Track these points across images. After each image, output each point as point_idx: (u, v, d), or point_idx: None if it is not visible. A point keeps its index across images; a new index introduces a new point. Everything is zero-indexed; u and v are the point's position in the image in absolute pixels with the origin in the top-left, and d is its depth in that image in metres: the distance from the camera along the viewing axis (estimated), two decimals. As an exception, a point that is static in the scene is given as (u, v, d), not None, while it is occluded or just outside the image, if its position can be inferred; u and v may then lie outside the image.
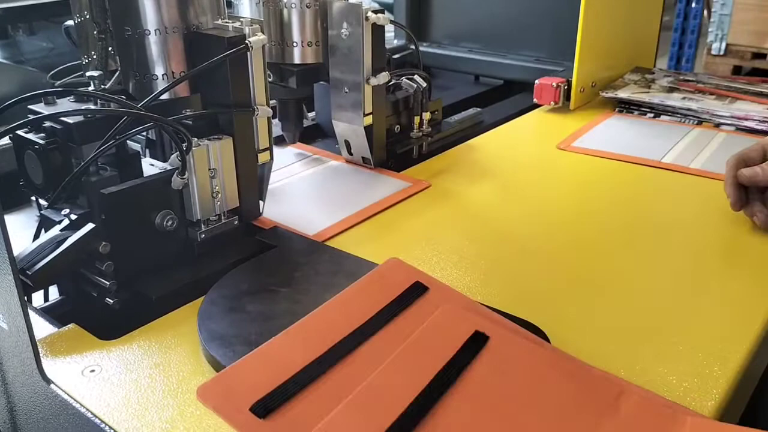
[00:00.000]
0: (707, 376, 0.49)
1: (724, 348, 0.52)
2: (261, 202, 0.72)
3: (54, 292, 0.64)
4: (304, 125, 0.90)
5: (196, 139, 0.62)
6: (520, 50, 1.29)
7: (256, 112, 0.66)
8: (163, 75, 0.65)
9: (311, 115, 0.98)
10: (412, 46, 1.30)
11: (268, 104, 0.67)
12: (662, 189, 0.80)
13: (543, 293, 0.60)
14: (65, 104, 0.64)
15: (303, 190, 0.80)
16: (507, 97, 1.25)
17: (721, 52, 2.36)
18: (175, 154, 0.61)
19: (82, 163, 0.59)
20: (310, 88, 0.86)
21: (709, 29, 2.39)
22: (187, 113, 0.64)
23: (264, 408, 0.40)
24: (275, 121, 0.88)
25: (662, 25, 1.29)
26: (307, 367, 0.44)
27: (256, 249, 0.66)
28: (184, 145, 0.60)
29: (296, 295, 0.57)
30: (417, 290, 0.51)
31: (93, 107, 0.60)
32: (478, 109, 1.10)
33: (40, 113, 0.61)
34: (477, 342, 0.47)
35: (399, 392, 0.43)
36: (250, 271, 0.61)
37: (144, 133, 0.77)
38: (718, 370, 0.50)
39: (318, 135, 0.96)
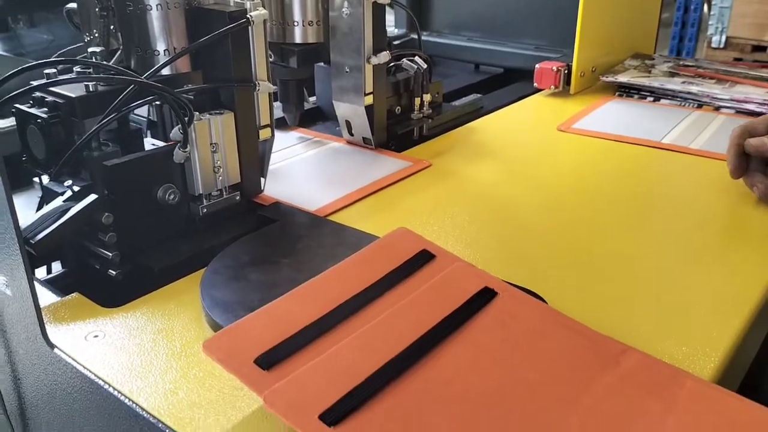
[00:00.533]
0: (706, 342, 0.49)
1: (723, 315, 0.52)
2: (262, 179, 0.72)
3: (57, 267, 0.64)
4: (305, 108, 0.90)
5: (197, 113, 0.63)
6: (519, 38, 1.29)
7: (257, 88, 0.66)
8: (165, 50, 0.65)
9: (312, 99, 0.98)
10: (413, 35, 1.31)
11: (269, 80, 0.68)
12: (662, 168, 0.81)
13: (544, 266, 0.60)
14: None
15: (304, 170, 0.81)
16: (507, 85, 1.26)
17: (721, 45, 2.36)
18: (177, 127, 0.61)
19: (85, 135, 0.59)
20: (310, 69, 0.86)
21: (709, 22, 2.39)
22: (189, 87, 0.64)
23: (268, 361, 0.40)
24: (276, 104, 0.88)
25: (662, 22, 1.30)
26: (310, 325, 0.44)
27: (258, 224, 0.66)
28: (186, 118, 0.60)
29: (298, 265, 0.57)
30: (424, 258, 0.52)
31: (97, 77, 0.60)
32: (479, 95, 1.10)
33: (45, 88, 0.62)
34: (484, 296, 0.48)
35: (401, 334, 0.43)
36: (252, 243, 0.61)
37: (145, 114, 0.78)
38: (717, 336, 0.50)
39: (319, 118, 0.96)
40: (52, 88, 0.62)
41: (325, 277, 0.49)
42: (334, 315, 0.46)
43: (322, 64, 0.89)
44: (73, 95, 0.60)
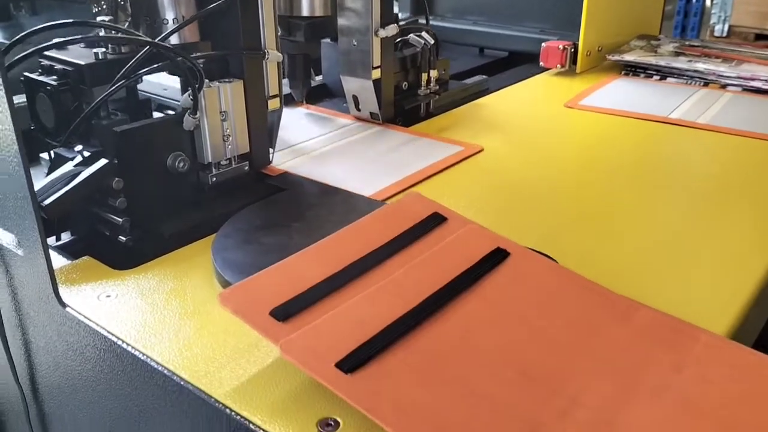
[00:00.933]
0: (717, 303, 0.49)
1: (734, 278, 0.52)
2: (271, 150, 0.72)
3: (67, 237, 0.64)
4: (312, 85, 0.90)
5: (207, 80, 0.62)
6: (524, 22, 1.29)
7: (266, 56, 0.66)
8: (173, 19, 0.65)
9: (318, 78, 0.98)
10: (419, 20, 1.30)
11: (278, 49, 0.68)
12: (670, 141, 0.80)
13: (554, 231, 0.60)
14: (76, 49, 0.65)
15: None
16: (511, 68, 1.25)
17: (724, 34, 2.36)
18: (186, 94, 0.61)
19: (97, 99, 0.59)
20: (317, 44, 0.86)
21: (712, 11, 2.39)
22: (199, 54, 0.64)
23: (283, 313, 0.40)
24: (283, 81, 0.88)
25: (664, 14, 1.30)
26: (324, 281, 0.44)
27: (267, 193, 0.66)
28: (196, 84, 0.60)
29: (309, 230, 0.57)
30: (435, 220, 0.52)
31: (108, 37, 0.60)
32: (484, 76, 1.10)
33: (51, 56, 0.62)
34: (497, 256, 0.48)
35: (414, 291, 0.43)
36: (263, 209, 0.61)
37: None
38: (728, 298, 0.50)
39: (325, 95, 0.96)
40: (61, 56, 0.62)
41: (338, 236, 0.49)
42: (347, 272, 0.46)
43: (328, 40, 0.89)
44: (82, 62, 0.60)
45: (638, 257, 0.55)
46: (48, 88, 0.60)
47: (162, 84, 0.82)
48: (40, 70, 0.62)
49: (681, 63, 1.03)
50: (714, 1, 2.38)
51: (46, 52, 0.62)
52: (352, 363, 0.38)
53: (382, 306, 0.42)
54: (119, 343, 0.45)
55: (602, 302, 0.45)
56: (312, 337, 0.39)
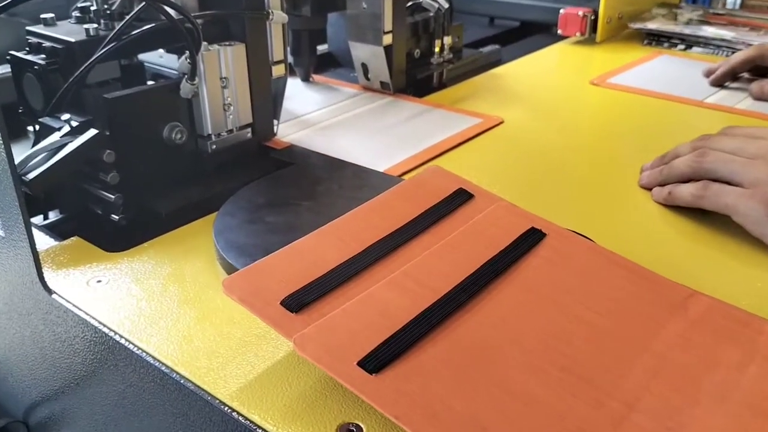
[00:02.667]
0: (776, 287, 0.44)
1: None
2: (275, 122, 0.66)
3: (55, 215, 0.59)
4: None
5: (206, 43, 0.57)
6: (536, -11, 1.22)
7: (270, 16, 0.60)
8: (169, -23, 0.59)
9: (323, 47, 0.93)
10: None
11: (283, 10, 0.62)
12: (707, 127, 0.73)
13: (586, 210, 0.55)
14: (65, 26, 0.59)
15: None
16: (524, 39, 1.19)
17: (737, 7, 2.29)
18: (183, 57, 0.55)
19: (87, 62, 0.53)
20: (324, 19, 0.80)
21: (724, -18, 2.31)
22: (196, 14, 0.58)
23: (296, 303, 0.35)
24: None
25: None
26: (341, 266, 0.39)
27: (272, 168, 0.61)
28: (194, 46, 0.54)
29: (319, 207, 0.52)
30: (461, 197, 0.47)
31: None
32: (497, 46, 1.04)
33: (39, 33, 0.56)
34: (532, 237, 0.43)
35: (443, 276, 0.39)
36: (268, 186, 0.56)
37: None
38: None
39: (331, 64, 0.91)
40: (49, 33, 0.56)
41: (354, 215, 0.44)
42: (366, 255, 0.41)
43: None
44: (72, 39, 0.55)
45: (680, 240, 0.50)
46: (36, 67, 0.55)
47: (159, 51, 0.76)
48: (27, 48, 0.57)
49: (707, 32, 0.97)
50: (727, -28, 2.30)
51: (33, 29, 0.57)
52: (376, 361, 0.33)
53: (408, 294, 0.38)
54: (111, 334, 0.40)
55: (652, 288, 0.40)
56: (330, 330, 0.34)
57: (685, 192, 0.52)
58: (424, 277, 0.39)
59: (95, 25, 0.56)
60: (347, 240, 0.41)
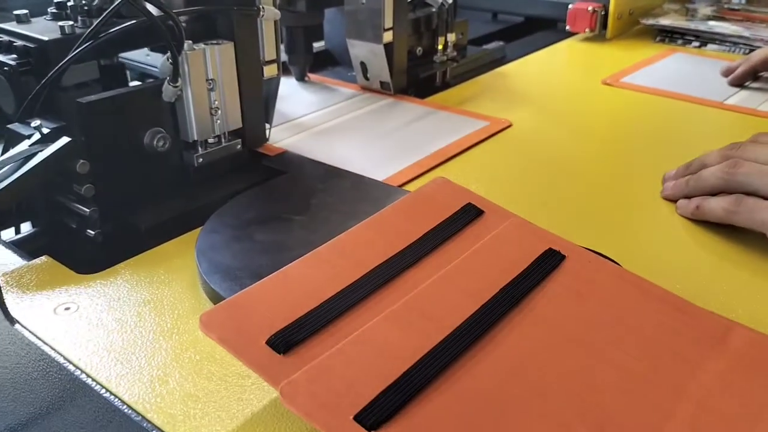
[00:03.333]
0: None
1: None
2: (267, 126, 0.62)
3: (27, 228, 0.54)
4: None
5: (190, 42, 0.52)
6: (542, -16, 1.17)
7: (261, 13, 0.56)
8: (151, -31, 0.54)
9: (320, 44, 0.88)
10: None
11: (275, 5, 0.57)
12: (725, 130, 0.69)
13: (607, 224, 0.50)
14: (40, 23, 0.54)
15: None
16: (528, 35, 1.15)
17: (743, 0, 2.24)
18: (165, 57, 0.50)
19: (61, 63, 0.49)
20: (320, 15, 0.76)
21: (732, -24, 2.26)
22: (180, 11, 0.53)
23: (284, 342, 0.31)
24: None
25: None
26: (336, 296, 0.34)
27: (263, 177, 0.56)
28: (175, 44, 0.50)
29: (314, 223, 0.48)
30: (470, 213, 0.42)
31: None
32: (501, 42, 0.99)
33: (11, 31, 0.51)
34: (550, 260, 0.38)
35: (451, 307, 0.34)
36: (258, 198, 0.52)
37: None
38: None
39: (328, 62, 0.86)
40: (21, 31, 0.51)
41: (350, 236, 0.40)
42: (364, 283, 0.36)
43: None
44: (45, 38, 0.50)
45: (710, 260, 0.46)
46: (6, 68, 0.50)
47: (145, 50, 0.72)
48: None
49: (723, 28, 0.93)
50: (734, -34, 2.25)
51: (4, 26, 0.53)
52: (376, 415, 0.28)
53: (411, 331, 0.33)
54: (76, 372, 0.36)
55: (687, 322, 0.36)
56: (322, 377, 0.30)
57: (716, 206, 0.47)
58: (429, 310, 0.34)
59: (71, 23, 0.51)
60: (343, 265, 0.37)
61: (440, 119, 0.68)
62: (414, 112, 0.70)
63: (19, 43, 0.51)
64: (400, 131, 0.66)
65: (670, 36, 0.96)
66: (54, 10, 0.54)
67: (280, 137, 0.64)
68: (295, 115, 0.70)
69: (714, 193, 0.48)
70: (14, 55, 0.51)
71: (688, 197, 0.50)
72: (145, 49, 0.70)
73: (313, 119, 0.69)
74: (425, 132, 0.65)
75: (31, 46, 0.50)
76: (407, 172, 0.57)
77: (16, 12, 0.53)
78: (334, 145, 0.63)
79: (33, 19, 0.54)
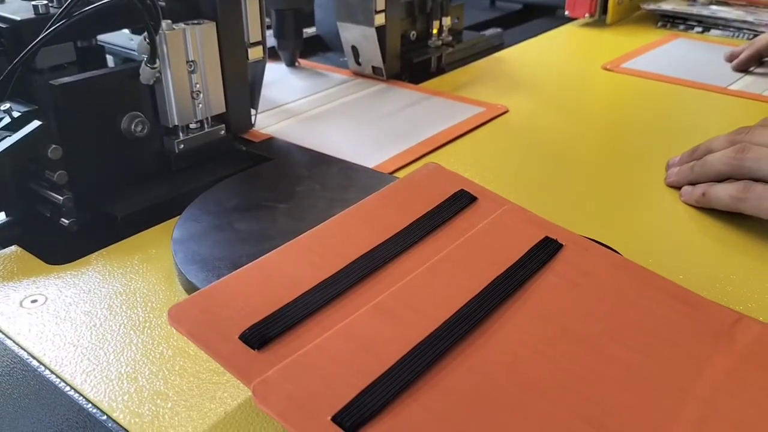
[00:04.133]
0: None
1: None
2: (253, 112, 0.59)
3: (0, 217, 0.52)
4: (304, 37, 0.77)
5: (170, 21, 0.50)
6: (541, -31, 1.15)
7: (245, -9, 0.53)
8: (128, -55, 0.51)
9: (311, 30, 0.85)
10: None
11: (261, -15, 0.55)
12: (729, 115, 0.66)
13: (605, 211, 0.48)
14: (14, 3, 0.52)
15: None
16: (527, 22, 1.12)
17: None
18: (142, 36, 0.48)
19: (29, 46, 0.46)
20: (311, -1, 0.73)
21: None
22: (159, -12, 0.51)
23: (258, 336, 0.29)
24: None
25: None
26: (317, 287, 0.32)
27: (248, 163, 0.54)
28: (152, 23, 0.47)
29: (299, 211, 0.45)
30: (463, 199, 0.40)
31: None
32: (499, 29, 0.97)
33: None
34: (547, 249, 0.36)
35: (440, 299, 0.32)
36: (241, 185, 0.49)
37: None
38: None
39: (319, 48, 0.83)
40: None
41: (336, 223, 0.37)
42: (348, 274, 0.34)
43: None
44: (18, 18, 0.48)
45: (716, 249, 0.44)
46: (-23, 50, 0.48)
47: (128, 33, 0.69)
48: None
49: (726, 13, 0.90)
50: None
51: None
52: (356, 416, 0.26)
53: (398, 324, 0.31)
54: (40, 369, 0.33)
55: (692, 314, 0.34)
56: (298, 374, 0.27)
57: (723, 193, 0.45)
58: (417, 301, 0.32)
59: (46, 2, 0.49)
60: (325, 254, 0.35)
61: (434, 105, 0.66)
62: (407, 98, 0.68)
63: None
64: (392, 117, 0.63)
65: (672, 21, 0.93)
66: None
67: (267, 123, 0.62)
68: (283, 101, 0.68)
69: (720, 180, 0.46)
70: None
71: (693, 183, 0.48)
72: (128, 32, 0.68)
73: (301, 105, 0.67)
74: (418, 118, 0.63)
75: (3, 26, 0.48)
76: (398, 159, 0.55)
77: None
78: (323, 132, 0.60)
79: (7, 0, 0.52)
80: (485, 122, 0.62)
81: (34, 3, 0.48)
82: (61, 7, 0.49)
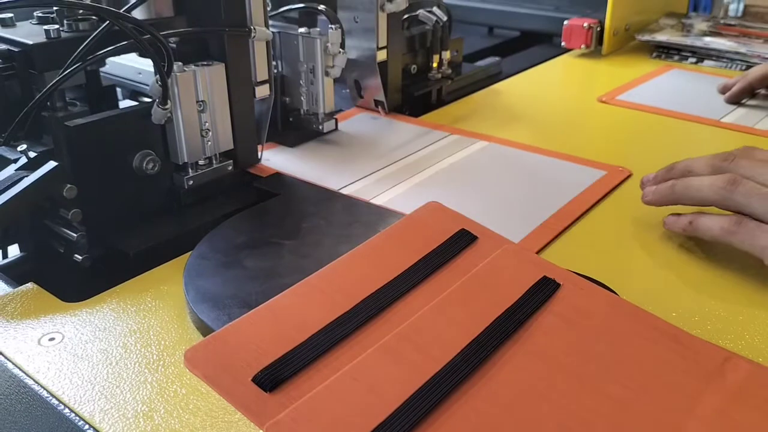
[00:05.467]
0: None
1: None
2: (260, 147, 0.61)
3: (14, 251, 0.53)
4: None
5: (180, 63, 0.52)
6: (538, -2, 1.17)
7: (252, 34, 0.55)
8: (141, -11, 0.54)
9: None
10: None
11: (266, 26, 0.57)
12: (721, 148, 0.67)
13: (602, 250, 0.49)
14: (25, 27, 0.54)
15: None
16: (525, 49, 1.14)
17: (739, 14, 2.24)
18: (155, 79, 0.50)
19: (45, 88, 0.48)
20: (314, 20, 0.75)
21: (727, -11, 2.27)
22: (170, 32, 0.53)
23: (270, 378, 0.30)
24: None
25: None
26: (326, 328, 0.34)
27: (254, 199, 0.56)
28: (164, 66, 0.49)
29: (305, 248, 0.47)
30: (463, 239, 0.41)
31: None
32: (497, 58, 0.99)
33: None
34: (545, 289, 0.37)
35: (444, 340, 0.33)
36: (248, 222, 0.51)
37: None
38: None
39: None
40: (6, 35, 0.51)
41: (342, 264, 0.39)
42: (355, 314, 0.35)
43: (323, 17, 0.78)
44: (30, 42, 0.50)
45: (703, 283, 0.45)
46: (-10, 73, 0.50)
47: (137, 67, 0.71)
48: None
49: (719, 44, 0.92)
50: (729, -21, 2.26)
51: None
52: (365, 457, 0.27)
53: (403, 364, 0.32)
54: (59, 407, 0.35)
55: (684, 353, 0.35)
56: (309, 417, 0.29)
57: (713, 224, 0.45)
58: (421, 342, 0.34)
59: (57, 26, 0.51)
60: (333, 295, 0.36)
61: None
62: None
63: (2, 47, 0.50)
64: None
65: (666, 52, 0.95)
66: (40, 14, 0.54)
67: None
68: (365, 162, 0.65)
69: (704, 206, 0.47)
70: None
71: (673, 203, 0.49)
72: (137, 65, 0.70)
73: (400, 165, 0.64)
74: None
75: (16, 50, 0.50)
76: (539, 235, 0.50)
77: (0, 16, 0.53)
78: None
79: (18, 23, 0.54)
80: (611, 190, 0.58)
81: (45, 27, 0.50)
82: (72, 32, 0.51)
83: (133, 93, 0.75)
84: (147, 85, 0.66)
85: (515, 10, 1.18)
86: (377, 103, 0.74)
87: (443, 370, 0.32)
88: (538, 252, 0.47)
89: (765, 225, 0.43)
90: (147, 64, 0.66)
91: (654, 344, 0.35)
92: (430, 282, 0.38)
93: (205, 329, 0.39)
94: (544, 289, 0.38)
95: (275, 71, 0.65)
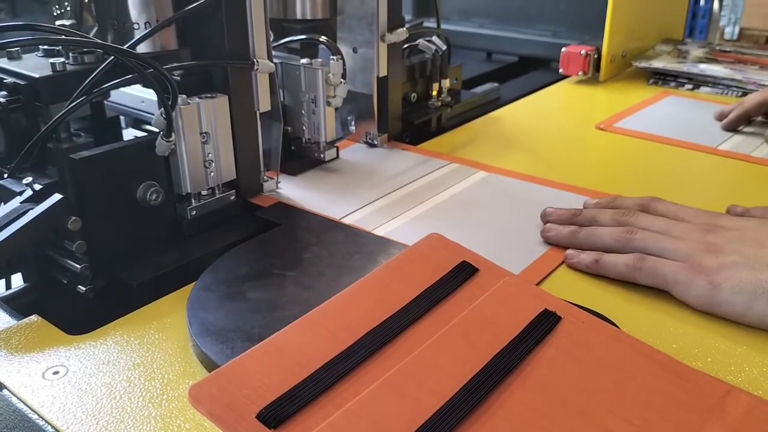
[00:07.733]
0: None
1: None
2: (277, 178, 0.62)
3: (18, 281, 0.54)
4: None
5: (185, 96, 0.52)
6: (535, 24, 1.19)
7: (255, 66, 0.56)
8: (146, 23, 0.55)
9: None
10: (427, 23, 1.20)
11: (270, 58, 0.58)
12: (723, 177, 0.69)
13: (602, 282, 0.50)
14: (31, 60, 0.55)
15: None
16: (523, 75, 1.16)
17: (735, 37, 2.26)
18: (159, 112, 0.51)
19: (51, 121, 0.49)
20: (315, 51, 0.76)
21: (722, 13, 2.29)
22: (174, 65, 0.53)
23: (275, 415, 0.30)
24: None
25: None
26: (330, 363, 0.34)
27: (257, 228, 0.56)
28: (168, 99, 0.50)
29: (307, 279, 0.47)
30: (465, 271, 0.42)
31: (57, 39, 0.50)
32: (495, 84, 1.00)
33: (4, 68, 0.52)
34: (546, 322, 0.38)
35: (446, 375, 0.34)
36: (251, 253, 0.51)
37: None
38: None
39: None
40: (12, 67, 0.52)
41: (344, 298, 0.39)
42: (358, 350, 0.36)
43: (323, 45, 0.79)
44: (36, 75, 0.51)
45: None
46: (-4, 106, 0.51)
47: (140, 96, 0.72)
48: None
49: (715, 71, 0.94)
50: (724, 3, 2.28)
51: (-5, 63, 0.53)
52: (369, 496, 0.27)
53: (404, 401, 0.32)
54: (63, 443, 0.35)
55: (685, 386, 0.35)
56: (314, 455, 0.29)
57: (619, 262, 0.48)
58: (423, 377, 0.34)
59: (63, 60, 0.52)
60: (336, 330, 0.36)
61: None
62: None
63: (9, 80, 0.51)
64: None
65: (663, 78, 0.96)
66: (46, 47, 0.55)
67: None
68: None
69: (605, 250, 0.50)
70: (4, 92, 0.51)
71: (571, 246, 0.51)
72: (140, 94, 0.71)
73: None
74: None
75: (22, 83, 0.51)
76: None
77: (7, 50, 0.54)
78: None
79: (24, 56, 0.55)
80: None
81: (51, 61, 0.51)
82: (77, 65, 0.52)
83: (136, 121, 0.76)
84: (150, 114, 0.67)
85: (513, 36, 1.19)
86: (368, 135, 0.74)
87: (446, 406, 0.32)
88: (538, 283, 0.48)
89: (663, 258, 0.46)
90: (150, 93, 0.67)
91: (655, 378, 0.36)
92: (432, 315, 0.39)
93: (208, 363, 0.39)
94: (545, 323, 0.38)
95: (277, 101, 0.66)
